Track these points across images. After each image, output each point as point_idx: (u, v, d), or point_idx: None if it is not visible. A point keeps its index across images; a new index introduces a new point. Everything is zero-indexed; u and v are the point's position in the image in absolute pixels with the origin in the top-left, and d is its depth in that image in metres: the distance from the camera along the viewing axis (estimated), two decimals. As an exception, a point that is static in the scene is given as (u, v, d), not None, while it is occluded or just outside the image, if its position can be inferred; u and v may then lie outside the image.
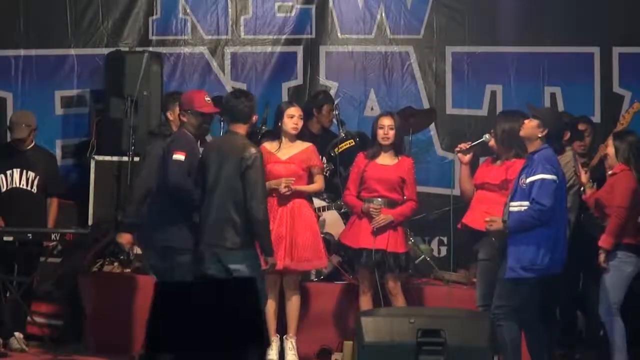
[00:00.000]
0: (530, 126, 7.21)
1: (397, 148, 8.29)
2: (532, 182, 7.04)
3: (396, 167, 8.23)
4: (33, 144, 9.01)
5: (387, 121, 8.24)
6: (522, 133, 7.26)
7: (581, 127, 8.71)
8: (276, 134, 8.42)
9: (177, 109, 7.99)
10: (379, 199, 8.19)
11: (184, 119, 7.48)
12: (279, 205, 8.18)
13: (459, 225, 7.93)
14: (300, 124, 8.33)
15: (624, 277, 7.74)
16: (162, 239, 7.36)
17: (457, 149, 8.05)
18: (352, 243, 8.23)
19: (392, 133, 8.21)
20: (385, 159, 8.26)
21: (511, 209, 7.11)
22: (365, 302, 8.21)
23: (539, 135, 7.17)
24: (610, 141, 7.94)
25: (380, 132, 8.22)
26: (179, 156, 7.28)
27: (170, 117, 8.19)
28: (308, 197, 8.42)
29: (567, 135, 8.23)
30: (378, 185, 8.21)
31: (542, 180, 7.04)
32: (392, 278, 8.19)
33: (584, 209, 8.27)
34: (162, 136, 8.03)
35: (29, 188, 8.91)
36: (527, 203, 7.04)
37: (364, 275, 8.24)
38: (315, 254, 8.28)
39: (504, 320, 7.08)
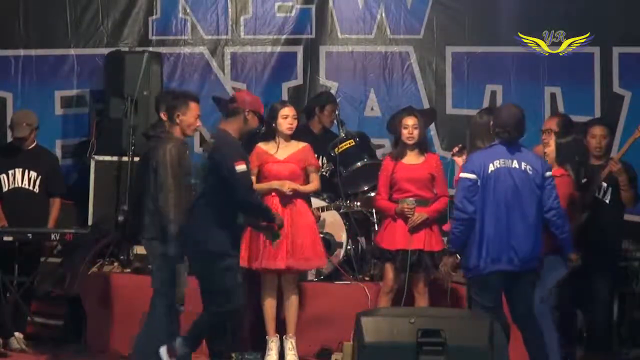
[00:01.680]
0: None
1: (422, 146, 8.28)
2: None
3: (424, 164, 8.22)
4: (35, 143, 9.01)
5: (410, 121, 8.23)
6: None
7: (596, 130, 8.60)
8: (269, 134, 8.41)
9: (189, 112, 7.78)
10: (411, 199, 8.17)
11: (249, 118, 7.30)
12: (280, 206, 8.19)
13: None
14: (295, 123, 8.35)
15: (553, 278, 7.62)
16: (207, 243, 7.21)
17: (451, 153, 8.16)
18: (389, 245, 8.21)
19: (416, 132, 8.21)
20: (412, 158, 8.25)
21: None
22: (385, 302, 8.19)
23: (491, 132, 7.26)
24: (552, 139, 7.92)
25: (404, 132, 8.21)
26: (243, 167, 7.12)
27: (164, 118, 7.88)
28: (306, 196, 8.43)
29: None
30: (410, 185, 8.19)
31: (460, 178, 7.20)
32: (424, 278, 8.19)
33: (593, 209, 8.31)
34: (157, 138, 7.75)
35: (30, 187, 8.92)
36: None
37: (394, 275, 8.21)
38: (314, 253, 8.29)
39: None
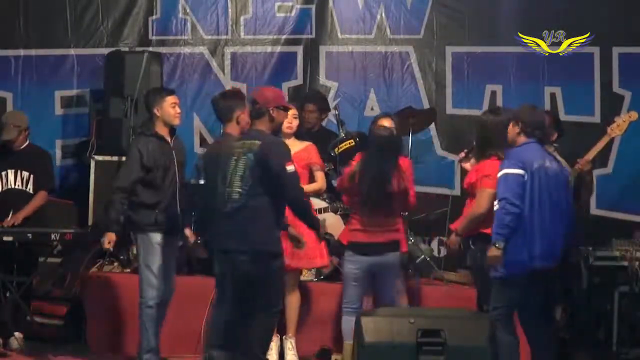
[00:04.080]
0: (509, 130, 7.27)
1: None
2: (499, 179, 7.11)
3: None
4: (27, 143, 8.94)
5: (385, 123, 8.22)
6: (509, 141, 7.29)
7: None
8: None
9: (164, 104, 7.97)
10: None
11: (275, 115, 7.30)
12: None
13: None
14: (295, 122, 8.33)
15: (348, 276, 7.72)
16: (266, 244, 7.18)
17: (458, 158, 8.14)
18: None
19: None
20: None
21: (495, 208, 7.15)
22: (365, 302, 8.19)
23: (517, 132, 7.21)
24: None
25: None
26: (292, 167, 7.14)
27: (158, 113, 8.02)
28: (307, 197, 8.42)
29: (555, 135, 8.20)
30: None
31: (506, 175, 7.09)
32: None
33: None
34: (144, 135, 8.04)
35: (24, 188, 8.88)
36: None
37: None
38: (318, 252, 8.29)
39: (499, 322, 7.07)
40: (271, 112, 7.27)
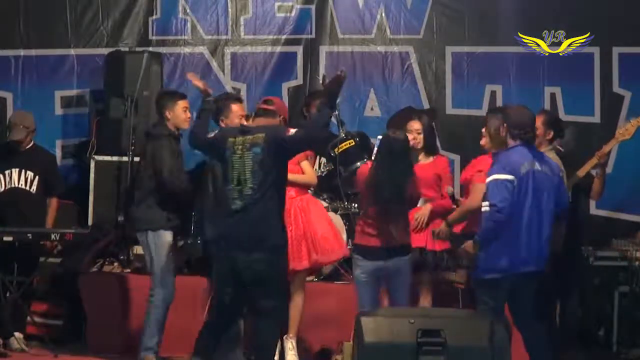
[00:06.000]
0: (500, 132, 7.30)
1: (429, 148, 8.22)
2: (488, 183, 7.09)
3: (431, 165, 8.11)
4: (32, 143, 8.99)
5: (415, 125, 8.17)
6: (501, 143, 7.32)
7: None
8: None
9: (176, 108, 8.09)
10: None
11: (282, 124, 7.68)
12: (290, 206, 8.14)
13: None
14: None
15: (357, 281, 7.63)
16: (273, 238, 7.16)
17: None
18: None
19: (420, 137, 8.12)
20: (420, 158, 8.19)
21: (482, 209, 7.14)
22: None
23: (505, 135, 7.22)
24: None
25: (409, 137, 8.11)
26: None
27: (169, 116, 8.14)
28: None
29: (551, 134, 8.15)
30: None
31: (495, 180, 7.06)
32: (427, 277, 8.10)
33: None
34: (162, 136, 8.09)
35: (27, 188, 8.90)
36: (487, 203, 7.07)
37: None
38: (336, 243, 8.26)
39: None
40: (281, 119, 7.54)
